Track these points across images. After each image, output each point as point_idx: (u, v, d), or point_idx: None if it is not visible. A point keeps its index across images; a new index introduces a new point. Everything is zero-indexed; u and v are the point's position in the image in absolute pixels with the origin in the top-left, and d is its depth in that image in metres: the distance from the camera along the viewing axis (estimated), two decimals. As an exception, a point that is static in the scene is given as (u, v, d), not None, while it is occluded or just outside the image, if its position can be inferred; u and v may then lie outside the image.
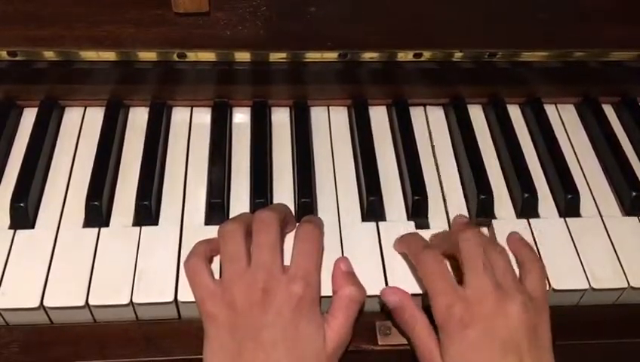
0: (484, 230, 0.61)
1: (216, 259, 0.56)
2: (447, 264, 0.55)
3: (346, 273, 0.56)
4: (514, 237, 0.60)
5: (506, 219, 0.64)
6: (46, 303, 0.54)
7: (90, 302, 0.55)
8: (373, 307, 0.58)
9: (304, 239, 0.55)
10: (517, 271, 0.56)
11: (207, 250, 0.56)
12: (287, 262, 0.54)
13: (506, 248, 0.58)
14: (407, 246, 0.58)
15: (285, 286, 0.51)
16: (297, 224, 0.58)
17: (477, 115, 0.74)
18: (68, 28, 0.63)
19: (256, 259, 0.53)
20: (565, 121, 0.75)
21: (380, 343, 0.56)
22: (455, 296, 0.51)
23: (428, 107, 0.75)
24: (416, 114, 0.73)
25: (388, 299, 0.56)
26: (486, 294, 0.51)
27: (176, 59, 0.67)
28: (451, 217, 0.64)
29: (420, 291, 0.56)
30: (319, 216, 0.63)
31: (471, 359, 0.50)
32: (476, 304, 0.51)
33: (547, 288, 0.57)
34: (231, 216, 0.62)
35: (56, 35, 0.64)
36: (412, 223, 0.62)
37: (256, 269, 0.52)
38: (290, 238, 0.57)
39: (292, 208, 0.63)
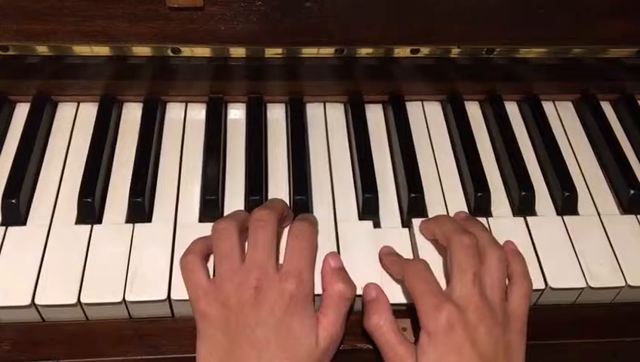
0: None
1: (213, 257, 0.56)
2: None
3: (335, 269, 0.55)
4: (508, 248, 0.59)
5: (503, 217, 0.63)
6: (37, 301, 0.54)
7: (83, 300, 0.54)
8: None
9: (298, 237, 0.55)
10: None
11: (203, 248, 0.56)
12: (282, 259, 0.54)
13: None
14: (386, 260, 0.58)
15: (278, 284, 0.51)
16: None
17: (474, 111, 0.74)
18: (60, 22, 0.63)
19: (250, 257, 0.53)
20: (563, 118, 0.74)
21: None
22: (443, 298, 0.51)
23: (425, 103, 0.74)
24: (413, 110, 0.73)
25: (365, 291, 0.55)
26: (472, 303, 0.51)
27: (171, 54, 0.67)
28: (450, 214, 0.63)
29: (410, 300, 0.55)
30: (314, 213, 0.62)
31: None
32: (463, 308, 0.50)
33: (538, 289, 0.57)
34: (225, 213, 0.62)
35: (48, 29, 0.63)
36: (408, 220, 0.62)
37: (250, 267, 0.52)
38: (286, 234, 0.56)
39: (287, 205, 0.62)
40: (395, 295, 0.56)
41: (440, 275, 0.57)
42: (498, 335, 0.50)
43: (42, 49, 0.65)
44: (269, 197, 0.64)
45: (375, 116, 0.73)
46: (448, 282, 0.53)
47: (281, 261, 0.54)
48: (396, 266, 0.57)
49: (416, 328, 0.53)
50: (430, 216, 0.63)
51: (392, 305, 0.55)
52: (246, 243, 0.54)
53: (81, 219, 0.60)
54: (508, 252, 0.57)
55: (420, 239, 0.60)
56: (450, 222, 0.57)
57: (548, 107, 0.74)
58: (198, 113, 0.71)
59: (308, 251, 0.54)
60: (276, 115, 0.72)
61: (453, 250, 0.54)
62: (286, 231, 0.57)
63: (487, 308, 0.51)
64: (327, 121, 0.72)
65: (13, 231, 0.59)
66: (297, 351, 0.50)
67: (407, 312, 0.56)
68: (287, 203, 0.62)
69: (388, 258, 0.58)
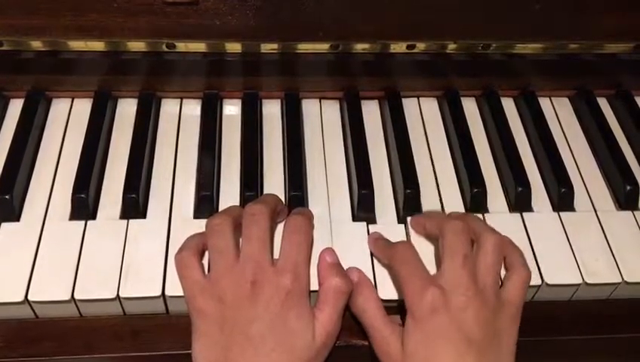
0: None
1: (208, 254, 0.56)
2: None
3: (331, 264, 0.55)
4: (506, 240, 0.58)
5: (499, 213, 0.63)
6: (31, 297, 0.54)
7: (76, 296, 0.54)
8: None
9: (293, 231, 0.55)
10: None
11: (198, 244, 0.55)
12: (277, 254, 0.54)
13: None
14: (375, 245, 0.58)
15: (274, 278, 0.51)
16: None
17: (471, 107, 0.73)
18: (55, 17, 0.62)
19: (245, 253, 0.52)
20: (559, 113, 0.74)
21: (370, 338, 0.55)
22: (428, 280, 0.51)
23: (421, 99, 0.74)
24: (409, 106, 0.72)
25: (348, 274, 0.55)
26: (460, 286, 0.50)
27: (166, 49, 0.66)
28: (446, 210, 0.63)
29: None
30: (310, 209, 0.62)
31: (434, 346, 0.49)
32: (449, 293, 0.50)
33: (534, 285, 0.57)
34: (220, 209, 0.61)
35: (43, 24, 0.63)
36: (404, 217, 0.62)
37: (245, 262, 0.52)
38: (281, 229, 0.56)
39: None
40: (387, 291, 0.56)
41: (434, 270, 0.57)
42: (487, 320, 0.50)
43: (36, 44, 0.65)
44: (264, 193, 0.63)
45: (371, 112, 0.72)
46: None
47: (276, 256, 0.54)
48: (384, 251, 0.57)
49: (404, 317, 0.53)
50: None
51: (383, 301, 0.55)
52: (240, 239, 0.54)
53: (75, 215, 0.60)
54: (506, 243, 0.57)
55: (414, 236, 0.60)
56: (441, 214, 0.57)
57: (544, 103, 0.74)
58: (193, 109, 0.71)
59: (304, 246, 0.54)
60: (272, 111, 0.71)
61: (445, 234, 0.54)
62: (281, 226, 0.57)
63: (476, 292, 0.50)
64: (322, 117, 0.72)
65: (7, 226, 0.58)
66: (294, 346, 0.50)
67: (398, 309, 0.56)
68: (283, 199, 0.62)
69: (376, 243, 0.58)
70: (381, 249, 0.57)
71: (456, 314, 0.49)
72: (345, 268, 0.56)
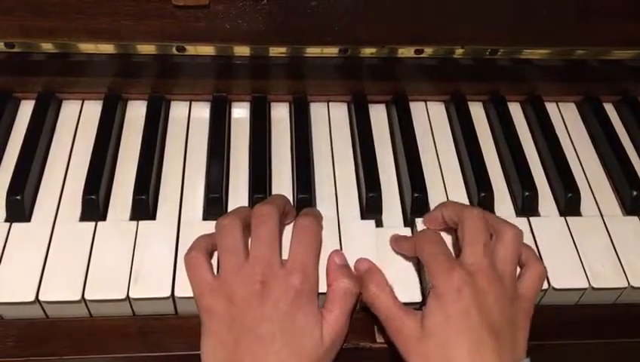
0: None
1: (217, 254, 0.56)
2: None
3: (340, 266, 0.56)
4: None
5: (506, 217, 0.63)
6: (41, 297, 0.54)
7: (87, 297, 0.54)
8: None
9: (302, 232, 0.55)
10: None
11: (207, 245, 0.56)
12: (285, 255, 0.54)
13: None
14: (397, 241, 0.59)
15: (283, 279, 0.51)
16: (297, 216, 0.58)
17: (478, 112, 0.74)
18: (66, 19, 0.63)
19: (254, 253, 0.53)
20: (566, 119, 0.74)
21: (378, 340, 0.56)
22: (455, 262, 0.52)
23: (429, 103, 0.74)
24: (416, 110, 0.73)
25: (358, 264, 0.56)
26: (482, 271, 0.51)
27: (175, 52, 0.67)
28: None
29: (413, 299, 0.56)
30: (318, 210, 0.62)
31: (455, 326, 0.49)
32: (474, 275, 0.51)
33: (541, 289, 0.57)
34: (229, 211, 0.61)
35: (54, 26, 0.63)
36: (411, 220, 0.62)
37: (254, 263, 0.52)
38: (289, 230, 0.56)
39: (290, 204, 0.62)
40: (395, 293, 0.56)
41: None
42: (505, 307, 0.51)
43: (47, 46, 0.65)
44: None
45: (378, 116, 0.73)
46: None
47: (284, 256, 0.54)
48: (408, 242, 0.57)
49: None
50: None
51: None
52: (249, 240, 0.55)
53: (85, 216, 0.60)
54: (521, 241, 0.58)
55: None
56: (457, 203, 0.59)
57: (551, 108, 0.74)
58: (202, 111, 0.71)
59: (313, 246, 0.54)
60: (280, 114, 0.72)
61: (465, 222, 0.54)
62: (290, 226, 0.57)
63: (496, 279, 0.51)
64: (330, 121, 0.72)
65: (18, 227, 0.59)
66: (302, 346, 0.50)
67: None
68: (291, 201, 0.62)
69: (398, 239, 0.59)
70: (404, 241, 0.58)
71: (479, 298, 0.50)
72: (354, 270, 0.56)
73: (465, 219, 0.55)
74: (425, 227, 0.60)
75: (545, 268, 0.56)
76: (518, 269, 0.55)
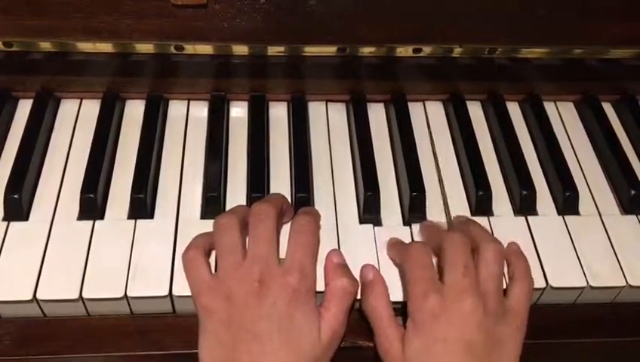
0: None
1: (215, 253, 0.56)
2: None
3: (338, 265, 0.56)
4: (511, 249, 0.59)
5: (504, 216, 0.64)
6: (39, 296, 0.54)
7: (84, 295, 0.54)
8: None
9: (300, 231, 0.55)
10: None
11: (205, 244, 0.56)
12: (283, 254, 0.54)
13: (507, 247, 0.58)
14: (396, 246, 0.58)
15: (281, 278, 0.51)
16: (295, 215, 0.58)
17: (476, 111, 0.74)
18: (64, 18, 0.63)
19: (252, 252, 0.53)
20: (564, 118, 0.74)
21: (376, 339, 0.56)
22: (433, 286, 0.51)
23: (427, 103, 0.74)
24: (415, 110, 0.73)
25: (363, 272, 0.56)
26: (463, 293, 0.51)
27: (174, 51, 0.67)
28: (452, 213, 0.64)
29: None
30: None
31: (434, 353, 0.49)
32: (451, 299, 0.50)
33: (538, 289, 0.57)
34: (227, 209, 0.61)
35: (52, 25, 0.63)
36: (410, 219, 0.62)
37: (252, 261, 0.52)
38: (287, 229, 0.56)
39: (289, 203, 0.62)
40: (392, 293, 0.56)
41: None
42: (489, 326, 0.50)
43: (46, 45, 0.65)
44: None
45: (377, 115, 0.73)
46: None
47: (282, 255, 0.54)
48: (399, 251, 0.57)
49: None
50: (431, 215, 0.63)
51: None
52: (247, 238, 0.55)
53: (83, 215, 0.60)
54: (511, 252, 0.58)
55: (419, 238, 0.60)
56: (440, 228, 0.59)
57: (549, 107, 0.74)
58: (200, 110, 0.71)
59: (310, 245, 0.55)
60: (278, 113, 0.72)
61: (445, 248, 0.54)
62: (288, 225, 0.57)
63: (478, 298, 0.51)
64: (329, 120, 0.72)
65: (16, 226, 0.59)
66: (300, 345, 0.50)
67: (401, 310, 0.56)
68: (289, 200, 0.62)
69: (393, 244, 0.59)
70: (396, 249, 0.58)
71: (457, 320, 0.50)
72: (352, 269, 0.56)
73: (445, 246, 0.54)
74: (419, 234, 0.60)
75: (532, 282, 0.56)
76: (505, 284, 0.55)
